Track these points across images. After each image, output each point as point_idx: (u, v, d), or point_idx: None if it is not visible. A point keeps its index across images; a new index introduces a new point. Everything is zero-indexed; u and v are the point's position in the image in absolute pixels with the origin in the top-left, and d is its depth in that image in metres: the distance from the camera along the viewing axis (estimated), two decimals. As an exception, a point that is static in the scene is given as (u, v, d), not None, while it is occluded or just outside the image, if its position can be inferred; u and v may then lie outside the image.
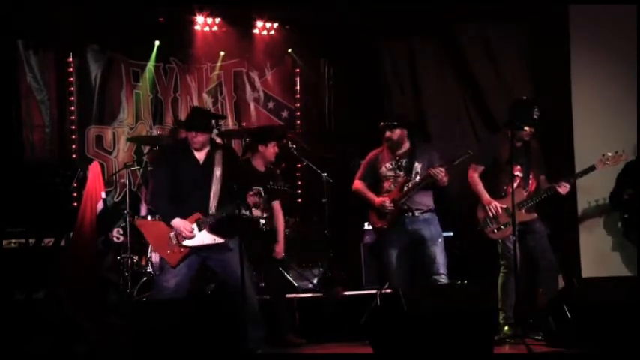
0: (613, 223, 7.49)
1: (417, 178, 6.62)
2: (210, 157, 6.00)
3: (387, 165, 6.75)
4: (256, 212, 6.66)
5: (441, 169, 6.45)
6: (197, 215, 5.88)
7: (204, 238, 5.88)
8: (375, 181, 6.83)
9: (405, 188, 6.62)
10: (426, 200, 6.68)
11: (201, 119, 6.04)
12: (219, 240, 5.88)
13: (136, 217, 7.77)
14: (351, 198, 7.23)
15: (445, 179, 6.49)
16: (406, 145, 6.76)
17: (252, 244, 6.52)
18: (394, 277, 6.64)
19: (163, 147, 7.71)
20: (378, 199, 6.68)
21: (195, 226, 5.86)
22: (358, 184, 6.86)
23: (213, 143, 6.08)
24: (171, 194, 5.92)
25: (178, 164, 5.97)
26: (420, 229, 6.62)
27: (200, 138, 5.94)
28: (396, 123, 6.73)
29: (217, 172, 5.96)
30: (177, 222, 5.85)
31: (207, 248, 5.91)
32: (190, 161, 5.98)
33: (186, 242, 5.86)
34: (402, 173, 6.69)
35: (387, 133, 6.73)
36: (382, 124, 6.77)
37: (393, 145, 6.73)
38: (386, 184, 6.75)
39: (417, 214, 6.63)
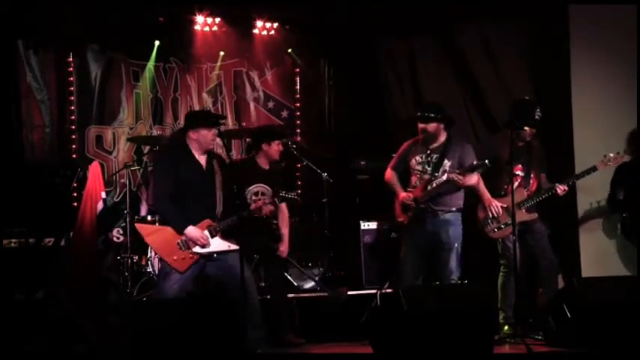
0: (613, 223, 7.48)
1: (444, 177, 6.43)
2: (210, 163, 5.95)
3: (417, 158, 6.60)
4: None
5: (461, 177, 6.30)
6: (208, 221, 5.80)
7: (217, 245, 5.80)
8: (405, 172, 6.69)
9: (429, 187, 6.48)
10: (453, 199, 6.52)
11: (211, 116, 6.06)
12: (233, 247, 5.77)
13: (136, 217, 7.77)
14: (350, 198, 7.23)
15: (466, 183, 6.38)
16: (441, 139, 6.57)
17: (255, 241, 6.51)
18: (402, 275, 6.62)
19: (164, 149, 7.65)
20: (401, 195, 6.57)
21: (207, 232, 5.78)
22: (389, 174, 6.72)
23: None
24: (174, 198, 5.79)
25: (181, 168, 5.85)
26: (437, 231, 6.49)
27: (215, 136, 5.90)
28: (432, 115, 6.52)
29: (218, 177, 5.92)
30: (192, 231, 5.72)
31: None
32: (195, 166, 5.88)
33: (197, 249, 5.77)
34: (429, 169, 6.53)
35: (422, 125, 6.52)
36: (418, 114, 6.57)
37: (428, 138, 6.54)
38: (413, 179, 6.61)
39: (438, 213, 6.50)
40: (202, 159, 5.92)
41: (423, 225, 6.51)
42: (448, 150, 6.52)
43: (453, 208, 6.54)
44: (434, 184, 6.46)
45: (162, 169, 5.94)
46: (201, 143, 5.87)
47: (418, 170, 6.60)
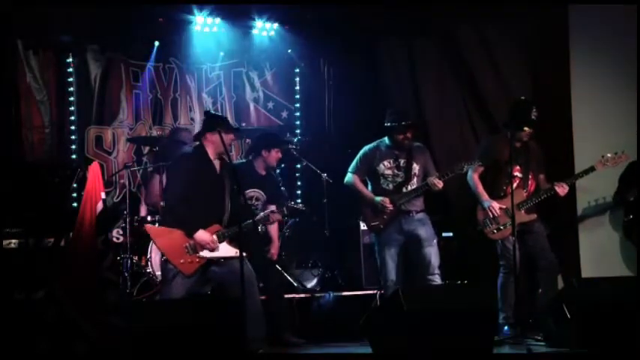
0: (613, 223, 7.50)
1: (415, 180, 6.68)
2: (220, 168, 5.98)
3: (386, 163, 6.74)
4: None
5: (440, 181, 6.49)
6: (216, 227, 5.83)
7: (225, 250, 5.83)
8: (369, 176, 6.82)
9: (404, 190, 6.66)
10: (419, 201, 6.73)
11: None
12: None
13: (136, 217, 7.76)
14: (350, 198, 7.22)
15: (440, 187, 6.53)
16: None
17: (251, 245, 6.52)
18: (389, 276, 6.64)
19: (186, 153, 7.52)
20: (377, 198, 6.67)
21: (215, 237, 5.81)
22: (352, 178, 6.85)
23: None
24: (188, 201, 5.80)
25: (201, 171, 5.87)
26: (415, 229, 6.65)
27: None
28: (411, 121, 6.73)
29: (227, 183, 5.94)
30: (202, 235, 5.76)
31: None
32: (212, 172, 5.91)
33: (205, 253, 5.79)
34: (401, 173, 6.70)
35: (408, 134, 6.68)
36: (410, 122, 6.71)
37: (408, 145, 6.72)
38: (383, 183, 6.75)
39: (412, 214, 6.66)
40: (216, 163, 5.95)
41: (399, 226, 6.67)
42: (413, 154, 6.73)
43: (421, 209, 6.73)
44: (409, 187, 6.66)
45: (182, 171, 5.92)
46: (221, 145, 5.78)
47: (389, 174, 6.74)
